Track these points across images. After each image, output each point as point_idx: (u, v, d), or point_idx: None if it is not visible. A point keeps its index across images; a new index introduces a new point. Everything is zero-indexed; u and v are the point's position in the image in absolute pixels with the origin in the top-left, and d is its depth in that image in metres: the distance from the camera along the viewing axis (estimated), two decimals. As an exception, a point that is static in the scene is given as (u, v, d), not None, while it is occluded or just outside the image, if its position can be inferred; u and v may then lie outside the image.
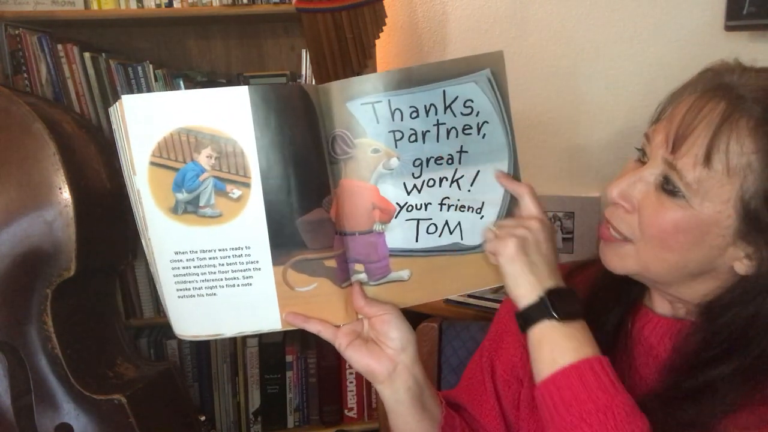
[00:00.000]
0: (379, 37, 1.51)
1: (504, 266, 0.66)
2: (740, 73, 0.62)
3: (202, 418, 1.66)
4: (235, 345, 1.73)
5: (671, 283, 0.67)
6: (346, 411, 1.78)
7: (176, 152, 0.60)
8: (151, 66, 1.57)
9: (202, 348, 1.73)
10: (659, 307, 0.73)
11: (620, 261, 0.68)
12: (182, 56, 1.75)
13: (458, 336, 1.32)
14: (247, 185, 0.61)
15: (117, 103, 0.60)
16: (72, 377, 1.31)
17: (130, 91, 1.55)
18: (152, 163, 0.61)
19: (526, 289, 0.65)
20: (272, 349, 1.74)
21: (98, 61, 1.54)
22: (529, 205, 0.69)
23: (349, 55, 1.49)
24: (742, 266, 0.63)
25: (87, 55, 1.53)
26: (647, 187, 0.64)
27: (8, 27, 1.52)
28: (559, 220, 1.53)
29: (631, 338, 0.73)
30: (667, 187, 0.62)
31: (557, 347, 0.63)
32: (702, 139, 0.59)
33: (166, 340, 1.72)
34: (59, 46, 1.52)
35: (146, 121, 0.60)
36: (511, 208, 0.71)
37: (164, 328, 1.75)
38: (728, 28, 1.32)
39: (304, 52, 1.58)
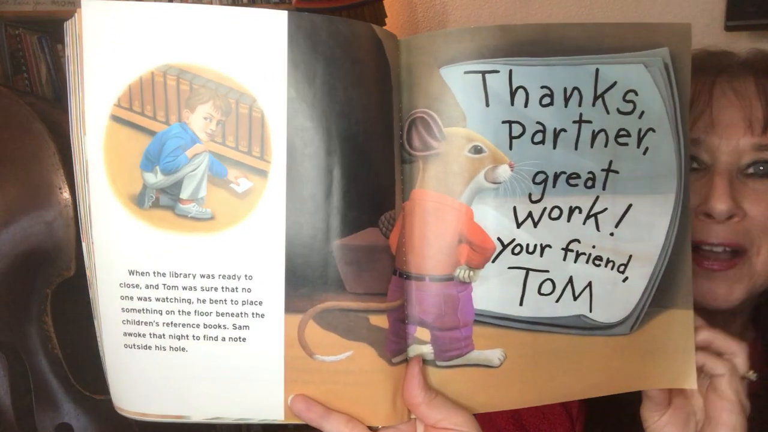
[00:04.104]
0: (379, 37, 1.52)
1: None
2: (725, 53, 0.62)
3: (202, 418, 1.66)
4: (235, 345, 1.73)
5: (760, 290, 0.60)
6: (346, 411, 1.77)
7: (155, 104, 0.37)
8: (151, 66, 1.57)
9: (202, 348, 1.72)
10: None
11: (729, 290, 0.57)
12: (182, 56, 1.75)
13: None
14: (264, 174, 0.38)
15: (76, 14, 0.37)
16: (72, 377, 1.31)
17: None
18: (114, 118, 0.38)
19: None
20: (272, 349, 1.73)
21: (98, 61, 1.55)
22: None
23: (349, 55, 1.50)
24: None
25: (87, 55, 1.54)
26: (747, 183, 0.57)
27: (8, 27, 1.52)
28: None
29: None
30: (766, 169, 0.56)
31: None
32: None
33: (166, 340, 1.71)
34: (59, 46, 1.52)
35: (114, 46, 0.37)
36: (671, 273, 0.46)
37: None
38: (728, 28, 1.32)
39: (304, 52, 1.58)
